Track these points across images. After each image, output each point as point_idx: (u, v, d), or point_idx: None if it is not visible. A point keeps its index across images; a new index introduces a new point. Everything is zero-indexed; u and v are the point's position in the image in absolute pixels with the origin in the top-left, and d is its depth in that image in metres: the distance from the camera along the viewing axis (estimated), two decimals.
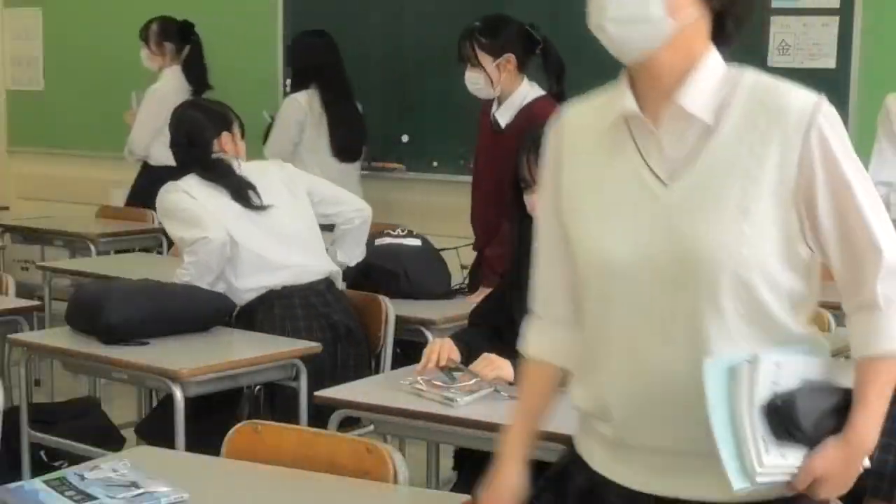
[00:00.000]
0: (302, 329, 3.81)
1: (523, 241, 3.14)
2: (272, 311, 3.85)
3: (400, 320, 4.02)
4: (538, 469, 2.87)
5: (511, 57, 4.33)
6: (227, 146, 4.09)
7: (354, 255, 4.32)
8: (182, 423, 3.30)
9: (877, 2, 5.07)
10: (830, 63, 5.13)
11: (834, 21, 5.11)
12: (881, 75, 5.09)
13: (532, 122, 3.79)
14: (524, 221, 3.10)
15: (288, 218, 3.99)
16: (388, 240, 4.51)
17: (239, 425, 2.57)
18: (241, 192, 3.94)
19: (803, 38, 5.18)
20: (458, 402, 2.79)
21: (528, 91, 4.38)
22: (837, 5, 5.10)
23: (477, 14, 5.95)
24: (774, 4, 5.23)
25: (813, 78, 5.52)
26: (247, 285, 3.87)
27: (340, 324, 3.89)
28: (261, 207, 3.92)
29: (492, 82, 4.34)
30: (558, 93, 4.35)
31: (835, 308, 4.01)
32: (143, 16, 7.13)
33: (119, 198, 6.76)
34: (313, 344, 3.65)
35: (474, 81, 4.38)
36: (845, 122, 5.16)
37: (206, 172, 3.96)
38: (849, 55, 5.10)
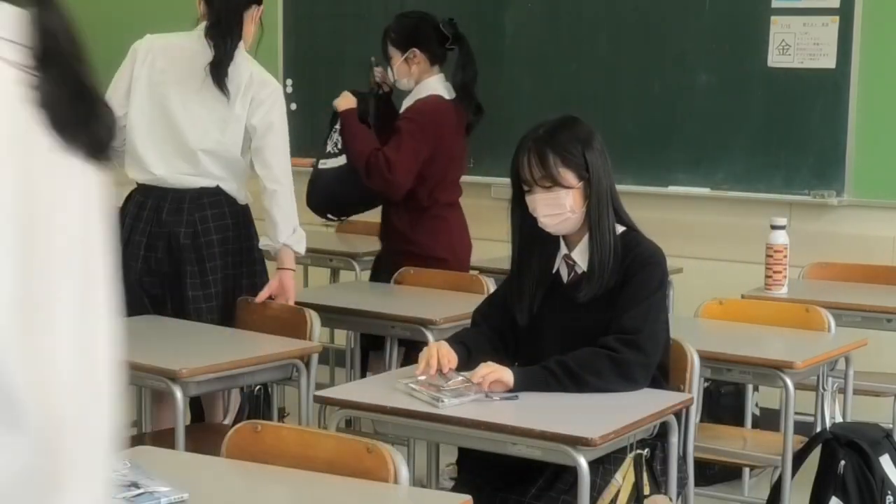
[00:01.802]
0: None
1: (525, 242, 3.15)
2: None
3: (400, 320, 4.03)
4: (537, 469, 2.88)
5: (416, 51, 4.52)
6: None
7: (278, 234, 3.99)
8: (182, 423, 3.30)
9: (877, 2, 5.07)
10: (830, 63, 5.13)
11: (834, 21, 5.11)
12: (881, 75, 5.09)
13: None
14: (525, 222, 3.11)
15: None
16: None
17: (239, 425, 2.57)
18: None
19: (803, 38, 5.18)
20: (444, 403, 2.79)
21: (435, 86, 4.54)
22: (837, 5, 5.10)
23: (477, 14, 5.97)
24: (774, 4, 5.23)
25: (813, 78, 5.59)
26: None
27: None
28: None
29: (402, 75, 4.56)
30: (463, 87, 4.53)
31: (835, 308, 4.06)
32: (143, 16, 7.14)
33: (119, 198, 6.75)
34: (314, 343, 3.65)
35: (394, 74, 4.61)
36: (845, 121, 5.21)
37: None
38: (849, 55, 5.10)
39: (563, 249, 3.13)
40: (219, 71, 3.92)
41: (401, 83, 4.60)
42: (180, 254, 3.92)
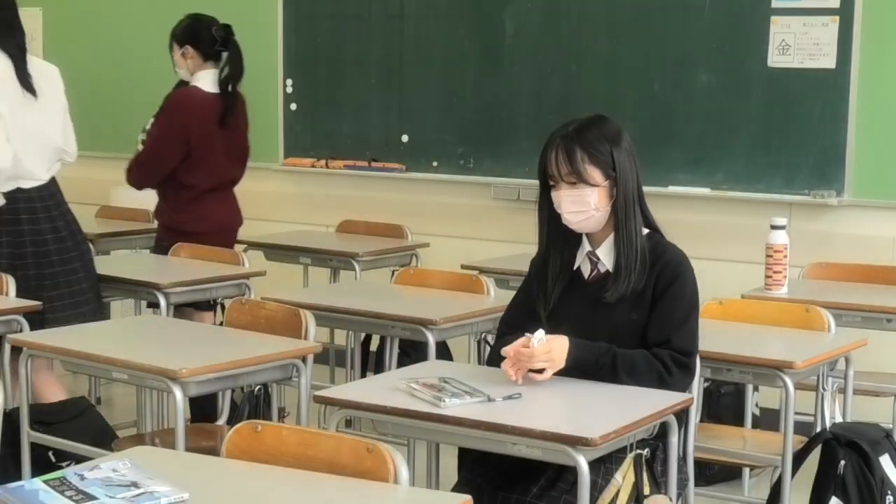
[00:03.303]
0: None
1: (550, 239, 3.15)
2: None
3: (400, 320, 4.04)
4: (538, 468, 2.88)
5: (188, 48, 5.29)
6: None
7: None
8: (182, 422, 3.30)
9: (877, 2, 5.07)
10: (830, 63, 5.13)
11: (834, 21, 5.11)
12: (881, 75, 5.09)
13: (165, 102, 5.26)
14: (551, 219, 3.11)
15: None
16: None
17: (239, 425, 2.57)
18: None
19: (803, 38, 5.18)
20: (445, 403, 2.79)
21: (203, 79, 5.28)
22: (837, 5, 5.10)
23: (476, 13, 5.98)
24: (774, 4, 5.24)
25: (813, 78, 5.60)
26: None
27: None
28: None
29: (180, 66, 5.34)
30: (226, 82, 5.28)
31: (835, 308, 4.06)
32: (143, 16, 7.14)
33: (119, 198, 6.76)
34: (313, 344, 3.65)
35: (174, 65, 5.41)
36: (845, 121, 5.22)
37: None
38: (849, 55, 5.10)
39: (587, 246, 3.14)
40: None
41: (180, 73, 5.36)
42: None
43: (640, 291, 3.05)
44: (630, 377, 2.97)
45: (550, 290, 3.14)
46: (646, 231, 3.12)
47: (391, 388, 2.97)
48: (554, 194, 3.05)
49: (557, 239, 3.13)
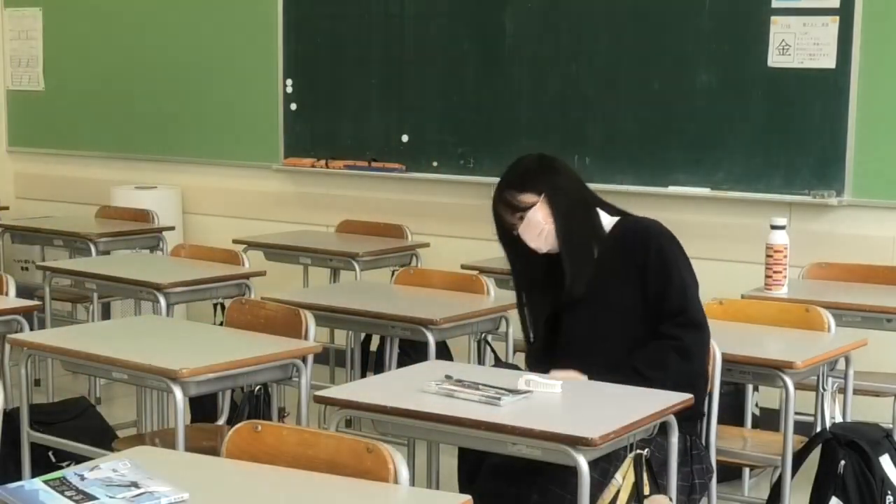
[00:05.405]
0: None
1: (525, 283, 3.46)
2: None
3: (400, 320, 4.04)
4: (538, 468, 2.88)
5: None
6: None
7: None
8: (182, 423, 3.30)
9: (877, 2, 5.07)
10: (830, 63, 5.13)
11: (834, 21, 5.11)
12: (881, 75, 5.09)
13: None
14: (518, 262, 3.40)
15: None
16: None
17: (239, 425, 2.57)
18: None
19: (803, 38, 5.18)
20: (502, 402, 2.82)
21: None
22: (837, 5, 5.10)
23: (476, 13, 5.98)
24: (774, 4, 5.23)
25: (813, 78, 5.58)
26: None
27: None
28: None
29: None
30: None
31: (835, 308, 4.05)
32: (143, 16, 7.14)
33: (119, 198, 6.77)
34: (313, 344, 3.65)
35: None
36: (845, 121, 5.21)
37: None
38: (849, 55, 5.10)
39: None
40: None
41: None
42: None
43: (625, 271, 3.27)
44: (657, 370, 3.15)
45: (542, 320, 3.40)
46: (615, 218, 3.36)
47: (392, 388, 2.97)
48: (520, 239, 3.31)
49: (533, 282, 3.41)
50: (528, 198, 3.29)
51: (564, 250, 3.30)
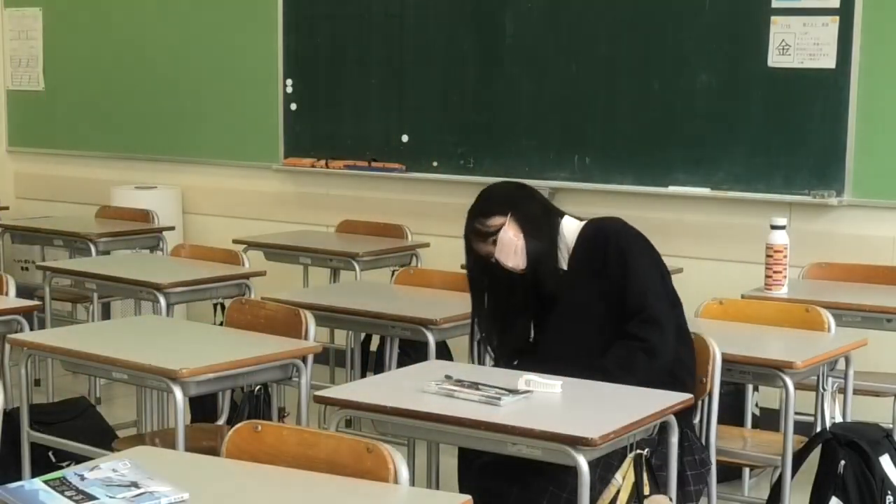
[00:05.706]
0: None
1: (503, 308, 3.53)
2: None
3: (400, 320, 4.04)
4: (538, 468, 2.88)
5: None
6: None
7: None
8: (182, 423, 3.30)
9: (877, 2, 5.07)
10: (830, 63, 5.13)
11: (834, 21, 5.11)
12: (881, 75, 5.09)
13: None
14: (493, 290, 3.51)
15: None
16: None
17: (239, 425, 2.57)
18: None
19: (803, 38, 5.18)
20: (502, 402, 2.82)
21: None
22: (837, 5, 5.10)
23: (476, 13, 5.98)
24: (774, 4, 5.23)
25: (813, 78, 5.58)
26: None
27: None
28: None
29: None
30: None
31: (835, 308, 4.05)
32: (143, 16, 7.14)
33: (119, 198, 6.77)
34: (313, 344, 3.65)
35: None
36: (845, 121, 5.21)
37: None
38: (849, 55, 5.10)
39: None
40: None
41: None
42: None
43: (590, 271, 3.36)
44: (626, 373, 3.13)
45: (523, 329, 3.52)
46: (583, 222, 3.46)
47: (392, 388, 2.96)
48: (498, 265, 3.40)
49: (507, 305, 3.51)
50: (496, 220, 3.40)
51: (539, 249, 3.38)
